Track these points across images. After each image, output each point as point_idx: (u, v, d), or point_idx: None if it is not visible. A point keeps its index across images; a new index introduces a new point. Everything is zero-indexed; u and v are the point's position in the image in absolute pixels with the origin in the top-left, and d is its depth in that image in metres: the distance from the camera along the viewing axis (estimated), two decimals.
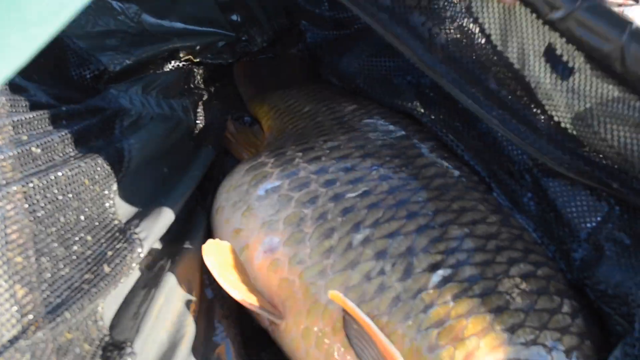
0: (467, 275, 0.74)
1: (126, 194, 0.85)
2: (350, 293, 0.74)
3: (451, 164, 0.88)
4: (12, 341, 0.57)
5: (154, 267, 0.83)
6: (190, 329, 0.77)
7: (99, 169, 0.81)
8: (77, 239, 0.73)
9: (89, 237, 0.74)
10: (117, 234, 0.79)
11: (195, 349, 0.76)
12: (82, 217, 0.76)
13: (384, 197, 0.81)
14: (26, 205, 0.69)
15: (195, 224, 0.94)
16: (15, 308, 0.60)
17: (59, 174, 0.74)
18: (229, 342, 0.80)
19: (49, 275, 0.66)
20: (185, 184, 0.93)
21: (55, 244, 0.70)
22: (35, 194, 0.70)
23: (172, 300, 0.78)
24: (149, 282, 0.80)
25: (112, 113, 0.95)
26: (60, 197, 0.73)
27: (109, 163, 0.83)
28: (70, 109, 0.88)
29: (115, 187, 0.84)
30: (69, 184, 0.76)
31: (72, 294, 0.67)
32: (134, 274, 0.79)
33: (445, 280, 0.73)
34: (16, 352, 0.57)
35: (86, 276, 0.70)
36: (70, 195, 0.75)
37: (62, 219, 0.73)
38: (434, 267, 0.74)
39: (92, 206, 0.78)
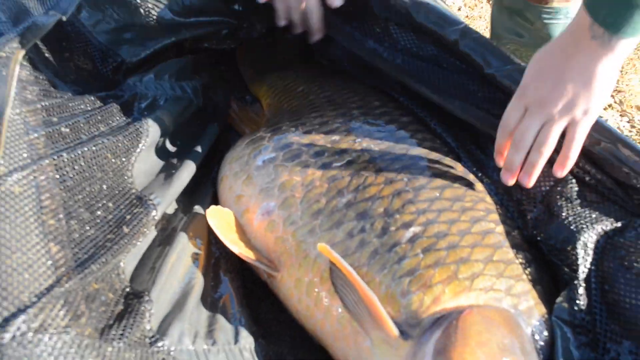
0: (435, 231, 0.79)
1: (143, 166, 0.89)
2: (335, 248, 0.79)
3: (425, 137, 0.94)
4: (49, 289, 0.62)
5: (168, 229, 0.88)
6: (199, 281, 0.82)
7: (119, 144, 0.86)
8: (100, 205, 0.77)
9: (110, 204, 0.79)
10: (135, 201, 0.83)
11: (203, 298, 0.81)
12: (105, 187, 0.80)
13: (365, 166, 0.87)
14: (57, 176, 0.73)
15: (203, 191, 0.99)
16: (50, 262, 0.65)
17: (85, 149, 0.79)
18: (232, 293, 0.85)
19: (77, 235, 0.71)
20: (194, 157, 0.97)
21: (82, 209, 0.75)
22: (64, 167, 0.75)
23: (183, 256, 0.83)
24: (163, 241, 0.85)
25: (131, 97, 0.99)
26: (86, 169, 0.78)
27: (128, 140, 0.88)
28: (94, 96, 0.93)
29: (133, 160, 0.88)
30: (94, 158, 0.80)
31: (97, 250, 0.71)
32: (150, 235, 0.84)
33: (416, 236, 0.79)
34: (52, 298, 0.61)
35: (109, 236, 0.74)
36: (95, 168, 0.80)
37: (87, 188, 0.77)
38: (407, 225, 0.80)
39: (113, 177, 0.82)
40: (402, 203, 0.82)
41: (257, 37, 1.16)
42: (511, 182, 0.84)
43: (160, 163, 0.95)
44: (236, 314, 0.83)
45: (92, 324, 0.66)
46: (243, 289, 0.88)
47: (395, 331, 0.73)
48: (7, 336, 0.55)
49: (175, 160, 0.96)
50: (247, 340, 0.79)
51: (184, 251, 0.84)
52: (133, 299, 0.75)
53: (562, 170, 0.82)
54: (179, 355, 0.71)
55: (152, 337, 0.72)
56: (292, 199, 0.86)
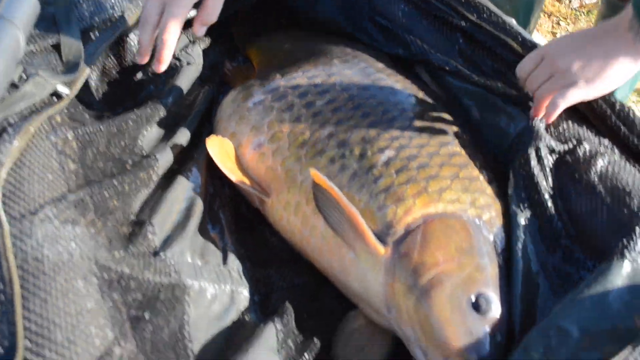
0: (407, 154, 0.82)
1: (152, 133, 0.92)
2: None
3: (398, 78, 0.97)
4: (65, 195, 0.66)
5: (169, 175, 0.90)
6: (197, 213, 0.84)
7: (144, 116, 0.90)
8: (118, 165, 0.81)
9: (127, 165, 0.83)
10: (144, 160, 0.85)
11: (201, 228, 0.84)
12: (121, 142, 0.84)
13: (345, 103, 0.90)
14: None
15: (200, 145, 1.01)
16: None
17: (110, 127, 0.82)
18: (224, 225, 0.88)
19: (96, 184, 0.74)
20: (194, 118, 0.99)
21: (101, 164, 0.79)
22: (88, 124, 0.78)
23: (181, 193, 0.85)
24: (164, 183, 0.87)
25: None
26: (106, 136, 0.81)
27: (151, 114, 0.91)
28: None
29: (151, 126, 0.91)
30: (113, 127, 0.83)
31: (112, 198, 0.75)
32: (152, 183, 0.85)
33: (390, 159, 0.82)
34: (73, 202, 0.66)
35: (125, 188, 0.78)
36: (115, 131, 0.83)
37: (102, 149, 0.81)
38: (381, 150, 0.83)
39: (128, 137, 0.87)
40: (377, 132, 0.85)
41: (248, 6, 1.17)
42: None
43: (166, 126, 0.97)
44: (227, 240, 0.86)
45: (105, 231, 0.68)
46: (235, 221, 0.91)
47: (374, 239, 0.75)
48: (37, 219, 0.59)
49: (177, 121, 0.98)
50: (234, 262, 0.82)
51: (183, 188, 0.86)
52: (137, 224, 0.78)
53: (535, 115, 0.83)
54: (179, 266, 0.73)
55: (155, 249, 0.74)
56: (280, 133, 0.89)
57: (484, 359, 0.69)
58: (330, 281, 0.86)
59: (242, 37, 1.19)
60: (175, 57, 1.06)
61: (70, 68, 0.82)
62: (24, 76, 0.72)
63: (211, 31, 1.14)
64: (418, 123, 0.87)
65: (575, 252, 0.78)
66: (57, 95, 0.76)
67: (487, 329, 0.71)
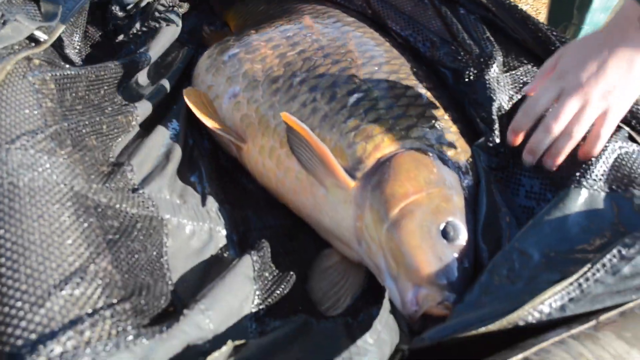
0: (375, 96, 0.83)
1: (132, 86, 0.94)
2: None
3: (366, 30, 0.99)
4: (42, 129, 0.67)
5: (148, 125, 0.90)
6: (175, 158, 0.84)
7: (124, 69, 0.90)
8: (97, 111, 0.81)
9: (106, 110, 0.83)
10: (122, 107, 0.86)
11: (180, 174, 0.85)
12: (102, 92, 0.85)
13: (315, 52, 0.91)
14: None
15: (179, 99, 1.01)
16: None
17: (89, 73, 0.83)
18: (203, 171, 0.89)
19: (74, 121, 0.74)
20: (172, 75, 1.01)
21: (80, 107, 0.79)
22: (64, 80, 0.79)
23: (160, 140, 0.85)
24: (144, 133, 0.88)
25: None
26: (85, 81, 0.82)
27: (130, 66, 0.92)
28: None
29: (131, 79, 0.93)
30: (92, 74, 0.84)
31: (90, 135, 0.76)
32: (134, 130, 0.87)
33: (359, 100, 0.83)
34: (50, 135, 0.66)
35: (103, 128, 0.79)
36: (94, 78, 0.84)
37: (81, 94, 0.81)
38: (351, 93, 0.84)
39: (109, 91, 0.88)
40: (346, 77, 0.86)
41: None
42: (533, 162, 0.77)
43: (145, 82, 0.99)
44: (205, 185, 0.87)
45: (83, 165, 0.68)
46: (214, 169, 0.92)
47: (343, 173, 0.76)
48: (12, 147, 0.60)
49: (157, 79, 1.00)
50: (213, 204, 0.83)
51: (163, 135, 0.87)
52: (117, 165, 0.78)
53: (588, 155, 0.74)
54: (157, 201, 0.74)
55: (134, 186, 0.75)
56: (254, 82, 0.90)
57: (452, 284, 0.70)
58: (305, 222, 0.87)
59: (219, 2, 1.20)
60: (154, 20, 1.07)
61: (49, 18, 0.82)
62: (2, 21, 0.72)
63: None
64: (385, 68, 0.88)
65: (535, 186, 0.79)
66: (35, 40, 0.76)
67: (456, 255, 0.72)
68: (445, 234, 0.73)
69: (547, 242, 0.70)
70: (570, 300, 0.58)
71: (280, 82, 0.88)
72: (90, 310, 0.54)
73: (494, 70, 0.85)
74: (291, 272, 0.78)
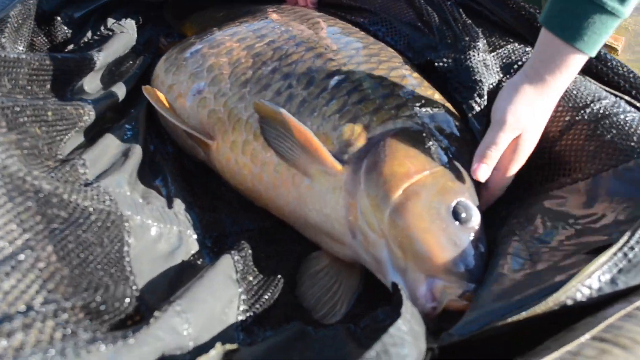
0: (357, 77, 0.72)
1: (90, 82, 0.81)
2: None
3: (336, 21, 0.89)
4: None
5: (102, 127, 0.78)
6: (135, 156, 0.71)
7: (72, 64, 0.78)
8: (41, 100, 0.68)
9: (51, 99, 0.70)
10: (72, 99, 0.74)
11: (142, 177, 0.71)
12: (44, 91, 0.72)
13: (286, 42, 0.80)
14: None
15: (136, 105, 0.88)
16: None
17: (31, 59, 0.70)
18: (168, 175, 0.75)
19: (12, 100, 0.60)
20: (129, 80, 0.89)
21: (21, 96, 0.66)
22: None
23: (118, 139, 0.73)
24: (99, 134, 0.74)
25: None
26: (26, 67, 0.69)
27: (80, 63, 0.80)
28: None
29: (81, 79, 0.80)
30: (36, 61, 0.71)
31: (32, 122, 0.61)
32: (86, 126, 0.73)
33: (340, 82, 0.72)
34: None
35: (48, 116, 0.65)
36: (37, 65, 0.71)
37: (22, 82, 0.68)
38: (330, 75, 0.73)
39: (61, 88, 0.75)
40: (323, 61, 0.75)
41: None
42: None
43: (103, 82, 0.87)
44: (171, 188, 0.73)
45: (21, 150, 0.54)
46: (179, 173, 0.79)
47: (330, 157, 0.64)
48: None
49: (115, 80, 0.88)
50: (180, 206, 0.69)
51: (119, 135, 0.74)
52: (66, 161, 0.64)
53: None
54: (115, 196, 0.58)
55: (87, 181, 0.59)
56: (220, 76, 0.78)
57: (471, 271, 0.57)
58: (285, 223, 0.73)
59: (174, 18, 1.08)
60: (107, 29, 0.95)
61: None
62: None
63: (145, 9, 1.05)
64: (364, 52, 0.78)
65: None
66: None
67: (471, 238, 0.59)
68: (456, 215, 0.60)
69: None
70: (620, 271, 0.47)
71: (249, 73, 0.76)
72: (23, 308, 0.37)
73: (479, 53, 0.76)
74: (278, 276, 0.63)
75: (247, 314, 0.56)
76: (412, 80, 0.74)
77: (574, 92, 0.70)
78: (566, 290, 0.45)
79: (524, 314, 0.45)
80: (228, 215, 0.73)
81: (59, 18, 0.96)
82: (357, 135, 0.67)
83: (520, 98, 0.64)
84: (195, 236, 0.65)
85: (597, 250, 0.51)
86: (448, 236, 0.58)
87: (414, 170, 0.62)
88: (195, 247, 0.65)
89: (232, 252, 0.60)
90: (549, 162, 0.68)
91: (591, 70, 0.74)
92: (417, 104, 0.70)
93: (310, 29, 0.83)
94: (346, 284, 0.67)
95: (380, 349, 0.39)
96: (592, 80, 0.74)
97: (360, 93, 0.70)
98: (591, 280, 0.46)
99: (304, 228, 0.71)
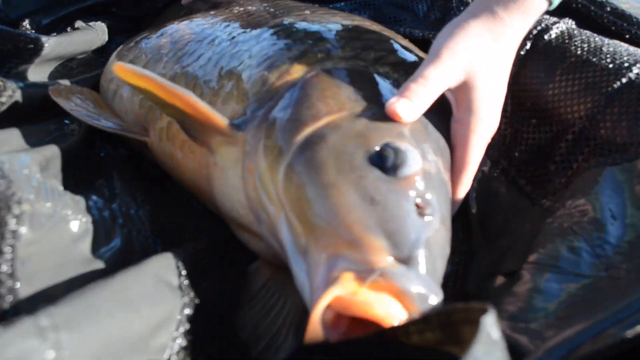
0: (299, 27, 0.57)
1: (35, 73, 0.71)
2: (188, 81, 0.58)
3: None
4: None
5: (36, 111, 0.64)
6: (64, 145, 0.56)
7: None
8: None
9: None
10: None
11: (80, 174, 0.55)
12: None
13: (240, 15, 0.66)
14: None
15: None
16: None
17: None
18: (114, 174, 0.60)
19: None
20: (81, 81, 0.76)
21: None
22: None
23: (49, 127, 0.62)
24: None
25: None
26: None
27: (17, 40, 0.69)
28: None
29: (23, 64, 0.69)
30: None
31: None
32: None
33: (273, 34, 0.57)
34: None
35: None
36: None
37: None
38: (268, 30, 0.58)
39: None
40: (270, 23, 0.60)
41: (162, 7, 0.97)
42: None
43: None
44: (117, 184, 0.58)
45: None
46: (130, 173, 0.63)
47: (221, 119, 0.48)
48: None
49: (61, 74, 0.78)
50: (127, 206, 0.54)
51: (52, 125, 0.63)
52: None
53: None
54: (13, 175, 0.42)
55: None
56: (158, 55, 0.65)
57: (398, 243, 0.37)
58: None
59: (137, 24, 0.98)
60: (75, 28, 0.85)
61: None
62: None
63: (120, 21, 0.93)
64: (321, 11, 0.64)
65: None
66: None
67: (404, 192, 0.40)
68: (381, 161, 0.41)
69: None
70: None
71: (189, 46, 0.62)
72: None
73: None
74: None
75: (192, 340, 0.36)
76: (362, 26, 0.58)
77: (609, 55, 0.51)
78: None
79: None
80: (187, 219, 0.57)
81: (25, 24, 0.83)
82: (270, 84, 0.49)
83: (463, 33, 0.46)
84: (141, 239, 0.47)
85: None
86: (362, 191, 0.39)
87: (326, 111, 0.44)
88: (140, 251, 0.46)
89: (178, 251, 0.42)
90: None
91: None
92: (363, 44, 0.53)
93: (272, 7, 0.68)
94: (293, 301, 0.46)
95: None
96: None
97: (288, 38, 0.54)
98: None
99: (231, 225, 0.53)
